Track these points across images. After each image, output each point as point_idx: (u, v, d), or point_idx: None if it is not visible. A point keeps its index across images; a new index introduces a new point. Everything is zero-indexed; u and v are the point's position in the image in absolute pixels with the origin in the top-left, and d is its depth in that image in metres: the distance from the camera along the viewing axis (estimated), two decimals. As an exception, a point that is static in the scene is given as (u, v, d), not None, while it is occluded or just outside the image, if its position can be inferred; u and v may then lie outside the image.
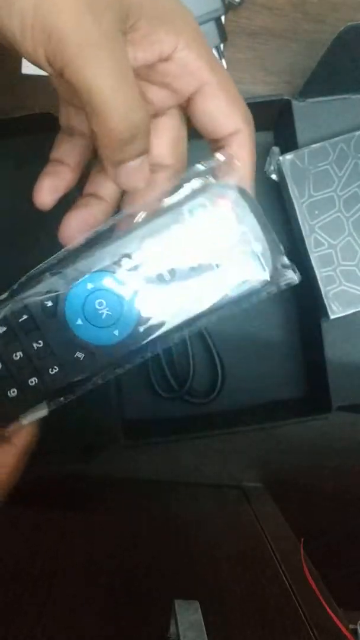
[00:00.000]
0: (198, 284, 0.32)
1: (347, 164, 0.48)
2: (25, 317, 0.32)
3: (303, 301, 0.56)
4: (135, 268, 0.32)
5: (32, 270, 0.33)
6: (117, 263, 0.32)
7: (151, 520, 0.57)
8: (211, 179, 0.31)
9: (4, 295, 0.33)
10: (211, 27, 0.53)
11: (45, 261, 0.33)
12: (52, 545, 0.50)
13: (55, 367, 0.33)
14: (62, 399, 0.34)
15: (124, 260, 0.32)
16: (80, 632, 0.40)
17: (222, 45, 0.55)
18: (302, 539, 0.56)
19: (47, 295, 0.32)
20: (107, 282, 0.32)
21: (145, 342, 0.32)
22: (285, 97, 0.49)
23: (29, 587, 0.44)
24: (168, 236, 0.31)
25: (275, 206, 0.55)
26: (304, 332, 0.57)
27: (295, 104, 0.49)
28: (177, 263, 0.32)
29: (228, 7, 0.54)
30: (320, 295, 0.48)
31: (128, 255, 0.32)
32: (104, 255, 0.32)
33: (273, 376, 0.57)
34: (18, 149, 0.52)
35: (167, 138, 0.33)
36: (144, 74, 0.30)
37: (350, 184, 0.48)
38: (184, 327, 0.33)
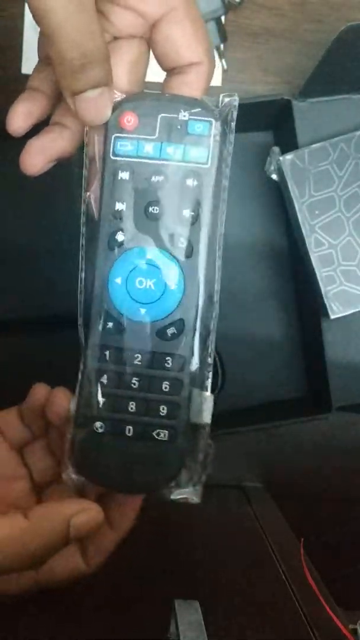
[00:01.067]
0: (187, 191, 0.31)
1: (348, 163, 0.48)
2: (106, 352, 0.32)
3: (303, 301, 0.56)
4: (128, 232, 0.32)
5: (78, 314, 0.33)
6: (113, 244, 0.32)
7: (151, 520, 0.57)
8: None
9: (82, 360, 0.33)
10: (211, 27, 0.53)
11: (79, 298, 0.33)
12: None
13: (167, 358, 0.32)
14: (205, 372, 0.33)
15: (118, 235, 0.32)
16: (80, 632, 0.40)
17: (222, 45, 0.55)
18: (302, 539, 0.56)
19: (102, 321, 0.32)
20: (125, 264, 0.32)
21: (199, 270, 0.32)
22: (286, 97, 0.49)
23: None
24: (120, 184, 0.31)
25: (275, 206, 0.55)
26: (304, 332, 0.57)
27: (296, 104, 0.49)
28: (151, 198, 0.32)
29: (228, 7, 0.54)
30: (321, 295, 0.48)
31: (117, 231, 0.32)
32: (103, 244, 0.32)
33: (273, 376, 0.57)
34: (20, 149, 0.52)
35: (125, 61, 0.32)
36: None
37: (351, 184, 0.48)
38: (214, 234, 0.32)
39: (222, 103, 0.32)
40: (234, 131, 0.32)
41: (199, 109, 0.31)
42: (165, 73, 0.33)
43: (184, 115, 0.31)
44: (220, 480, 0.65)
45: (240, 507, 0.61)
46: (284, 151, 0.49)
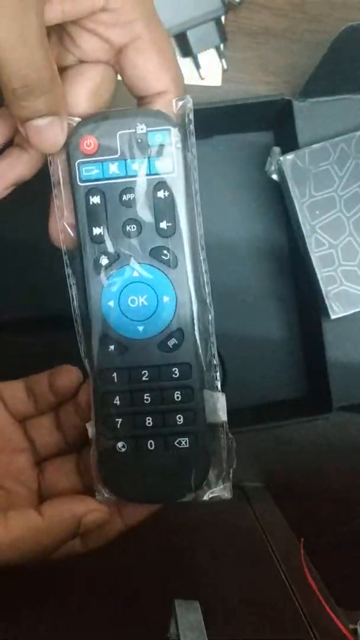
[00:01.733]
0: (160, 203, 0.32)
1: (348, 164, 0.48)
2: (114, 375, 0.33)
3: (304, 301, 0.56)
4: (111, 254, 0.32)
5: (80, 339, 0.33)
6: (99, 269, 0.32)
7: (151, 520, 0.57)
8: None
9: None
10: (211, 27, 0.53)
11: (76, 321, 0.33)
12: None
13: (174, 368, 0.32)
14: (212, 372, 0.33)
15: (102, 259, 0.32)
16: (80, 632, 0.40)
17: (222, 45, 0.55)
18: (302, 539, 0.56)
19: (103, 345, 0.32)
20: (115, 286, 0.32)
21: (188, 278, 0.32)
22: (286, 97, 0.49)
23: (28, 586, 0.44)
24: (93, 209, 0.32)
25: (276, 206, 0.55)
26: (304, 332, 0.57)
27: (296, 104, 0.49)
28: (127, 216, 0.32)
29: (228, 7, 0.53)
30: (321, 295, 0.48)
31: (100, 256, 0.32)
32: (89, 271, 0.32)
33: (273, 376, 0.57)
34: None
35: (87, 86, 0.33)
36: (76, 20, 0.30)
37: (351, 184, 0.48)
38: (195, 239, 0.33)
39: (176, 108, 0.32)
40: (193, 133, 0.32)
41: (155, 119, 0.31)
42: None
43: (141, 128, 0.31)
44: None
45: (240, 507, 0.60)
46: (284, 151, 0.49)
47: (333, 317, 0.48)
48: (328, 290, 0.48)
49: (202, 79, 0.55)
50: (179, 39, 0.54)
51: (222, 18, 0.54)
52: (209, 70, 0.55)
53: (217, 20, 0.53)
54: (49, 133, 0.30)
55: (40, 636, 0.39)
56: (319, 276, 0.48)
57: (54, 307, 0.51)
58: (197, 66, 0.55)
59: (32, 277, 0.53)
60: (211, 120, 0.50)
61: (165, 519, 0.57)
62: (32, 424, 0.38)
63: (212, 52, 0.55)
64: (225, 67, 0.56)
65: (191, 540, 0.54)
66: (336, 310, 0.48)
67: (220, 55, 0.55)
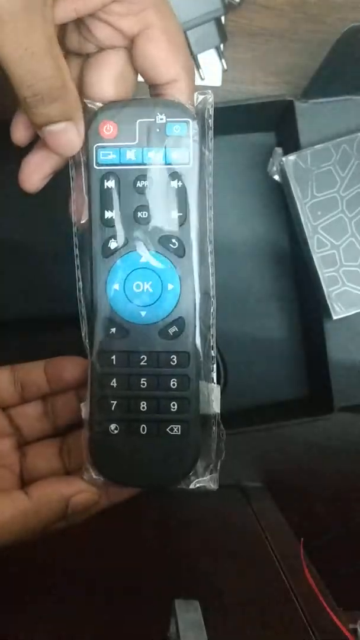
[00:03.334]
0: (172, 192, 0.32)
1: (350, 164, 0.48)
2: (113, 357, 0.33)
3: (306, 302, 0.56)
4: (120, 238, 0.33)
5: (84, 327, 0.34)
6: (107, 252, 0.33)
7: (151, 520, 0.57)
8: None
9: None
10: (211, 27, 0.53)
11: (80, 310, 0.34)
12: (51, 544, 0.50)
13: (172, 356, 0.33)
14: (209, 364, 0.34)
15: (111, 242, 0.33)
16: (80, 632, 0.40)
17: (222, 46, 0.55)
18: (302, 539, 0.56)
19: (105, 327, 0.33)
20: (121, 270, 0.33)
21: (193, 268, 0.33)
22: (288, 98, 0.49)
23: (28, 585, 0.44)
24: (107, 193, 0.32)
25: (277, 207, 0.55)
26: (306, 333, 0.57)
27: (298, 104, 0.49)
28: (139, 203, 0.32)
29: (228, 7, 0.53)
30: (323, 295, 0.48)
31: (110, 239, 0.33)
32: (97, 253, 0.33)
33: (275, 376, 0.57)
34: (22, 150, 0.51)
35: (110, 72, 0.33)
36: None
37: (353, 184, 0.48)
38: (204, 231, 0.33)
39: (197, 101, 0.33)
40: (212, 127, 0.33)
41: (176, 110, 0.32)
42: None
43: (161, 118, 0.32)
44: (220, 480, 0.65)
45: (240, 507, 0.60)
46: (286, 152, 0.49)
47: (335, 317, 0.48)
48: (330, 290, 0.48)
49: (202, 79, 0.55)
50: (179, 39, 0.54)
51: (222, 18, 0.54)
52: (209, 71, 0.55)
53: (217, 20, 0.53)
54: (64, 138, 0.31)
55: (39, 635, 0.39)
56: (320, 277, 0.48)
57: (55, 307, 0.51)
58: (197, 66, 0.55)
59: (35, 278, 0.53)
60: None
61: (166, 519, 0.57)
62: (17, 411, 0.39)
63: (212, 52, 0.55)
64: (225, 67, 0.56)
65: (191, 540, 0.54)
66: (338, 311, 0.48)
67: (220, 55, 0.55)
